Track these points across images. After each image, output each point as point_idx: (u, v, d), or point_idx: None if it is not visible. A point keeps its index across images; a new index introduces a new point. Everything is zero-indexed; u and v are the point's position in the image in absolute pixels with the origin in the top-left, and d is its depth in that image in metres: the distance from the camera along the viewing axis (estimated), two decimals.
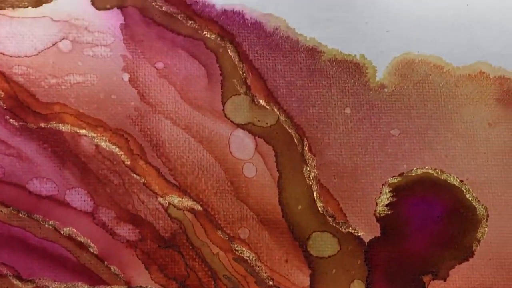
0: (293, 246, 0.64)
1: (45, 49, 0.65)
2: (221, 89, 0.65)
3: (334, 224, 0.64)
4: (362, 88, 0.66)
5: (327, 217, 0.64)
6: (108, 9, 0.66)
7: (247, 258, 0.63)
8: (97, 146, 0.64)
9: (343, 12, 0.66)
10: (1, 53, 0.64)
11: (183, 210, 0.64)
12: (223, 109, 0.65)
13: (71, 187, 0.64)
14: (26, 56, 0.64)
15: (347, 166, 0.65)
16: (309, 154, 0.65)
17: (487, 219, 0.63)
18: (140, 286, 0.62)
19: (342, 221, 0.64)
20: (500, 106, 0.65)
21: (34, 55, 0.64)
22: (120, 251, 0.63)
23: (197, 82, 0.65)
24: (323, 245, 0.64)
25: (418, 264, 0.63)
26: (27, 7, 0.65)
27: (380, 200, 0.64)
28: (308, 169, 0.64)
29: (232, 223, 0.64)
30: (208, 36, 0.66)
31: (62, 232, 0.63)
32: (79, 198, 0.64)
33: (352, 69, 0.66)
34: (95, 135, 0.64)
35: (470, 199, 0.64)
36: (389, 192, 0.64)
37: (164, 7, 0.66)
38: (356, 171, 0.64)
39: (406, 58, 0.66)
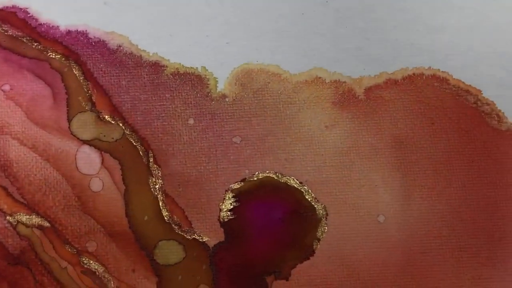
0: (140, 255, 0.65)
1: None
2: (67, 107, 0.67)
3: (179, 232, 0.66)
4: (204, 99, 0.68)
5: (173, 226, 0.66)
6: None
7: (95, 270, 0.65)
8: None
9: (183, 26, 0.69)
10: None
11: (32, 227, 0.65)
12: (69, 127, 0.67)
13: None
14: None
15: (192, 175, 0.67)
16: (155, 165, 0.66)
17: (326, 218, 0.66)
18: None
19: (187, 228, 0.66)
20: (336, 109, 0.68)
21: None
22: None
23: (43, 102, 0.67)
24: (169, 253, 0.65)
25: (261, 265, 0.65)
26: None
27: (223, 206, 0.66)
28: (154, 180, 0.66)
29: (79, 237, 0.65)
30: (53, 56, 0.68)
31: None
32: None
33: (194, 81, 0.68)
34: None
35: (309, 199, 0.66)
36: (232, 197, 0.66)
37: (9, 31, 0.68)
38: (200, 179, 0.66)
39: (246, 68, 0.68)
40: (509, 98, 0.67)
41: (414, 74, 0.68)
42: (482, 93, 0.67)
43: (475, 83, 0.67)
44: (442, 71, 0.68)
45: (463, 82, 0.67)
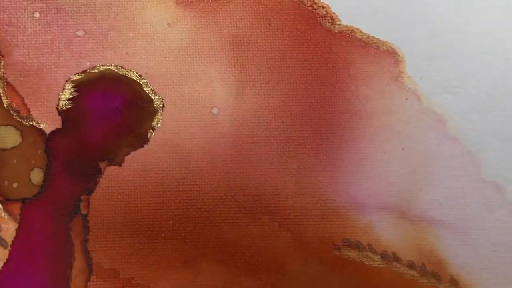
0: None
1: None
2: None
3: (17, 118, 0.67)
4: None
5: (11, 112, 0.67)
6: None
7: None
8: None
9: None
10: None
11: None
12: None
13: None
14: None
15: (33, 65, 0.68)
16: None
17: (162, 110, 0.68)
18: None
19: (25, 115, 0.67)
20: (179, 8, 0.70)
21: None
22: None
23: None
24: (6, 137, 0.67)
25: (96, 152, 0.67)
26: None
27: (62, 95, 0.68)
28: None
29: None
30: None
31: None
32: None
33: None
34: None
35: (148, 92, 0.68)
36: (71, 88, 0.68)
37: None
38: (41, 70, 0.68)
39: None
40: (342, 2, 0.70)
41: None
42: None
43: None
44: None
45: None
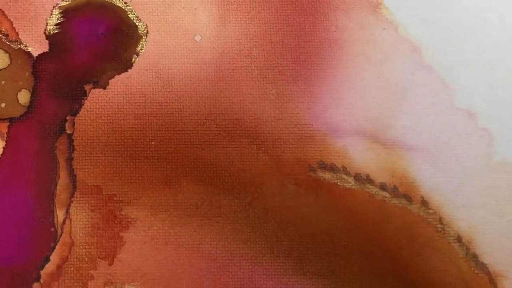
0: None
1: None
2: None
3: (6, 42, 0.69)
4: None
5: (0, 35, 0.69)
6: None
7: None
8: None
9: None
10: None
11: None
12: None
13: None
14: None
15: None
16: None
17: (146, 36, 0.70)
18: None
19: (14, 39, 0.69)
20: None
21: None
22: None
23: None
24: None
25: (81, 75, 0.69)
26: None
27: (50, 20, 0.70)
28: None
29: None
30: None
31: None
32: None
33: None
34: None
35: (132, 18, 0.70)
36: (59, 13, 0.70)
37: None
38: None
39: None
40: None
41: None
42: None
43: None
44: None
45: None
